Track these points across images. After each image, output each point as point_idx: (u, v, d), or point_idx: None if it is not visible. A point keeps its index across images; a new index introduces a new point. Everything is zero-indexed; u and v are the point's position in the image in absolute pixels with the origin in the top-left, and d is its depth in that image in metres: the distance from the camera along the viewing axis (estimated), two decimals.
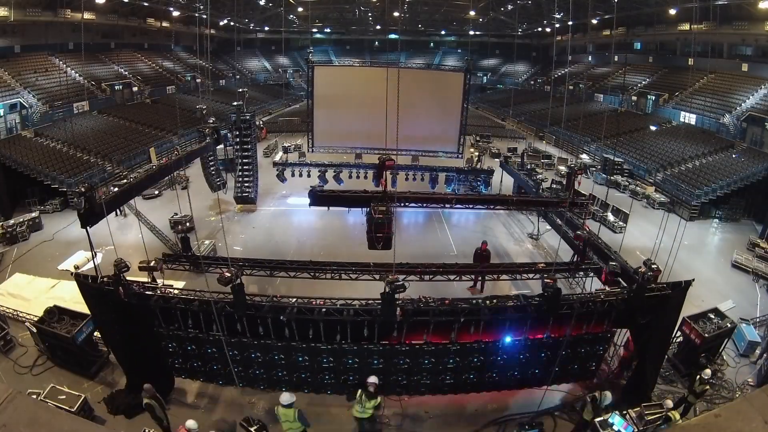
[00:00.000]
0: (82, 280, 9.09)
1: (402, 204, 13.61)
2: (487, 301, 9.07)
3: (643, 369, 9.99)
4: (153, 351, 9.64)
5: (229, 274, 8.16)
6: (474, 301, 9.04)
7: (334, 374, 9.48)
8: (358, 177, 20.92)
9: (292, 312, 8.80)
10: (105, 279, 8.90)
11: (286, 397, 8.21)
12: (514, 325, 9.15)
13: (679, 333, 11.17)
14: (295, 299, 9.06)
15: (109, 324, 9.55)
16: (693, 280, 9.37)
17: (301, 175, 21.27)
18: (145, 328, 9.38)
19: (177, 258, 12.66)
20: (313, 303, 8.92)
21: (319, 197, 15.06)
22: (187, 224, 16.45)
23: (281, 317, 8.78)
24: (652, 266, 9.13)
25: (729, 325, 11.13)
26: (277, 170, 21.59)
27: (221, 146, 27.22)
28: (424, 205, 13.53)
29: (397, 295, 8.22)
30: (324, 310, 8.80)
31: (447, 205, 14.26)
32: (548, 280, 8.63)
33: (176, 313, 9.10)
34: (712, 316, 11.26)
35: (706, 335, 10.58)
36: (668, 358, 11.30)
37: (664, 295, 9.07)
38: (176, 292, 9.38)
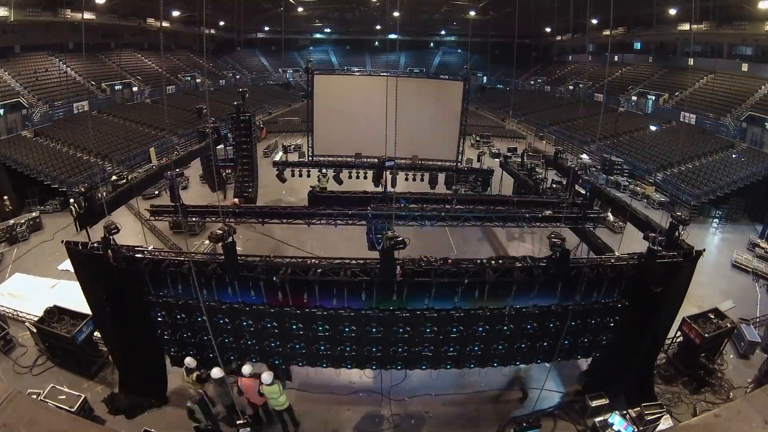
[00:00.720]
0: (71, 246, 8.70)
1: (402, 203, 13.52)
2: (492, 262, 8.52)
3: (646, 357, 9.81)
4: (143, 327, 9.27)
5: (221, 231, 7.65)
6: (478, 261, 8.48)
7: (330, 344, 8.99)
8: (357, 177, 20.96)
9: (286, 272, 8.26)
10: (94, 244, 8.57)
11: (266, 377, 8.46)
12: (520, 290, 8.60)
13: (679, 333, 11.18)
14: (288, 259, 8.61)
15: (98, 295, 9.10)
16: (704, 250, 9.00)
17: (300, 175, 21.27)
18: (135, 298, 8.98)
19: (164, 210, 12.61)
20: (308, 262, 8.45)
21: (318, 198, 15.07)
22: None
23: (274, 278, 8.26)
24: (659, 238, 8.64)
25: (729, 325, 11.12)
26: (277, 170, 21.59)
27: (221, 146, 27.43)
28: (424, 206, 13.48)
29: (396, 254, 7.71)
30: (320, 270, 8.28)
31: (447, 206, 14.23)
32: (556, 240, 7.98)
33: (166, 278, 8.69)
34: (712, 316, 11.25)
35: (706, 335, 10.57)
36: (668, 358, 11.31)
37: (676, 263, 8.65)
38: (165, 254, 9.10)
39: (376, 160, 19.29)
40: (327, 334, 8.81)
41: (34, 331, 11.09)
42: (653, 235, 8.35)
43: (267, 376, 8.58)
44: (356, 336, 8.82)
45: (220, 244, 7.87)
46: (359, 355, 9.09)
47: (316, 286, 8.47)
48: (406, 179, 21.32)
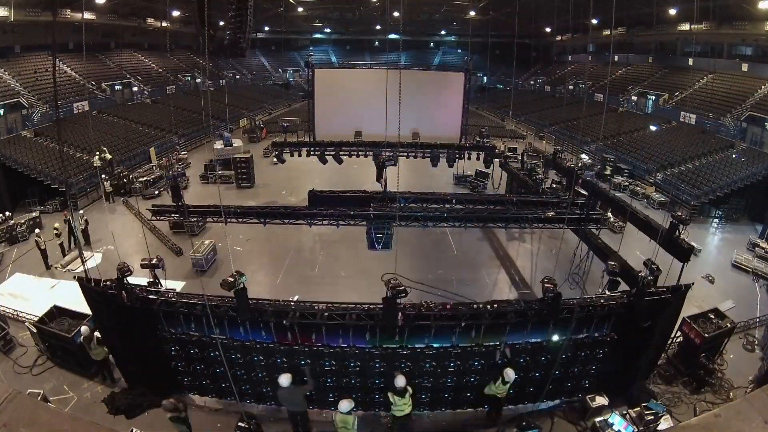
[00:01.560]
0: (85, 284, 9.06)
1: (402, 202, 13.52)
2: (488, 306, 9.10)
3: (634, 372, 10.07)
4: (155, 355, 9.64)
5: (232, 279, 8.17)
6: (475, 306, 9.06)
7: (336, 377, 9.49)
8: (357, 155, 21.12)
9: (295, 316, 8.82)
10: (108, 282, 8.89)
11: (345, 405, 8.16)
12: (514, 328, 9.18)
13: (679, 333, 11.18)
14: (296, 301, 9.12)
15: (112, 328, 9.56)
16: (692, 284, 9.46)
17: (300, 154, 21.64)
18: (148, 332, 9.39)
19: (166, 210, 12.89)
20: (316, 307, 8.98)
21: (318, 198, 15.06)
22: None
23: (284, 321, 8.82)
24: (653, 266, 9.18)
25: (729, 325, 11.12)
26: (276, 150, 21.87)
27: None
28: (425, 205, 13.48)
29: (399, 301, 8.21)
30: (327, 314, 8.84)
31: (447, 205, 14.21)
32: (549, 285, 8.68)
33: (179, 317, 9.16)
34: (712, 316, 11.26)
35: (706, 335, 10.58)
36: (668, 358, 11.31)
37: (664, 299, 9.12)
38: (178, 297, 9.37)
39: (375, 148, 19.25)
40: (333, 368, 9.34)
41: (34, 331, 11.10)
42: (642, 275, 8.95)
43: (346, 405, 8.21)
44: (361, 369, 9.35)
45: (232, 290, 8.31)
46: (363, 387, 9.57)
47: (323, 327, 8.98)
48: (407, 156, 21.27)
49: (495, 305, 9.14)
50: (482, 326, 9.04)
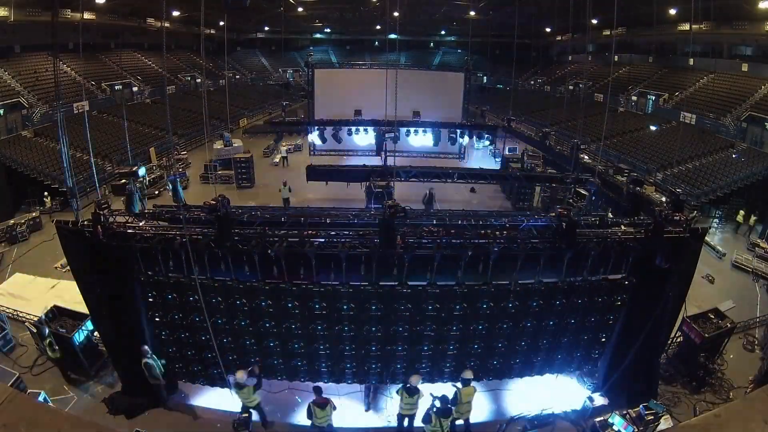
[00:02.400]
0: (62, 225, 8.38)
1: (403, 177, 13.34)
2: (497, 232, 8.32)
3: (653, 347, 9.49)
4: (134, 312, 8.93)
5: (213, 202, 7.54)
6: (482, 231, 8.27)
7: (327, 323, 8.62)
8: (357, 132, 21.30)
9: (282, 245, 7.86)
10: (85, 222, 8.30)
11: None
12: (526, 265, 8.28)
13: (679, 333, 11.17)
14: (284, 231, 8.25)
15: (88, 278, 8.71)
16: (708, 228, 8.82)
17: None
18: (126, 280, 8.64)
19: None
20: (305, 233, 8.16)
21: (317, 172, 14.84)
22: None
23: (269, 251, 7.88)
24: (673, 197, 8.66)
25: (729, 325, 11.10)
26: (275, 129, 22.05)
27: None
28: (425, 180, 13.29)
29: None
30: (317, 243, 7.87)
31: (448, 180, 13.99)
32: (563, 211, 7.89)
33: (157, 255, 8.32)
34: (712, 316, 11.24)
35: (706, 335, 10.55)
36: (668, 358, 11.29)
37: (683, 238, 8.37)
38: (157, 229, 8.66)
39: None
40: (324, 312, 8.44)
41: (34, 331, 11.09)
42: (660, 207, 8.25)
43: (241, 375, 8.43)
44: (355, 314, 8.44)
45: (213, 215, 7.61)
46: (358, 336, 8.73)
47: (313, 260, 8.04)
48: (407, 134, 21.25)
49: (504, 231, 8.36)
50: (490, 259, 8.11)
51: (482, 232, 8.26)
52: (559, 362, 9.77)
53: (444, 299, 8.41)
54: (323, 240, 8.04)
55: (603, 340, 9.55)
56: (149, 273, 8.61)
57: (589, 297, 8.77)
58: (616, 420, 8.85)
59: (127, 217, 8.74)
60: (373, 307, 8.41)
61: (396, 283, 8.35)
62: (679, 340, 11.32)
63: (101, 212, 7.94)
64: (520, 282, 8.43)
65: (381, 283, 8.33)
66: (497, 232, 8.32)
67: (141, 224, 8.65)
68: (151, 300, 8.81)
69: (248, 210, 9.40)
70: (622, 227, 8.98)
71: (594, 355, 9.74)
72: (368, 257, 8.05)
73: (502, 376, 9.92)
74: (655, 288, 8.88)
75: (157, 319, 9.04)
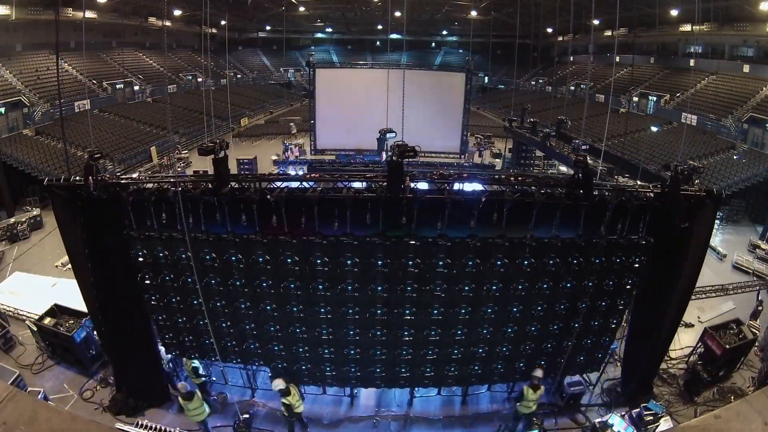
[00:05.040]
0: (53, 183, 7.89)
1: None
2: (511, 179, 7.95)
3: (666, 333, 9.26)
4: (124, 274, 8.45)
5: (212, 144, 6.97)
6: (496, 176, 7.98)
7: (330, 283, 7.97)
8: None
9: (281, 192, 7.32)
10: (77, 178, 7.82)
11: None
12: (541, 219, 7.79)
13: (700, 343, 11.02)
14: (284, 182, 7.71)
15: (78, 241, 8.17)
16: (724, 194, 8.56)
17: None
18: (115, 238, 8.16)
19: None
20: (307, 176, 7.81)
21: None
22: None
23: (268, 197, 7.35)
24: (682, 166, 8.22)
25: (750, 336, 10.98)
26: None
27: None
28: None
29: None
30: (320, 188, 7.35)
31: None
32: (578, 158, 7.45)
33: (149, 208, 7.81)
34: (733, 327, 11.06)
35: (727, 346, 10.37)
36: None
37: (700, 196, 8.18)
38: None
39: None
40: (326, 269, 7.79)
41: (34, 329, 11.10)
42: (675, 164, 8.08)
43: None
44: (359, 271, 7.80)
45: (210, 156, 7.06)
46: (362, 297, 8.11)
47: (315, 207, 7.46)
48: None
49: (519, 177, 7.96)
50: (504, 209, 7.55)
51: (496, 176, 7.78)
52: (577, 332, 9.17)
53: (455, 254, 7.80)
54: (326, 186, 7.48)
55: (621, 306, 9.09)
56: (140, 230, 8.05)
57: (606, 257, 8.32)
58: (616, 421, 8.85)
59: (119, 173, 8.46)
60: (379, 262, 7.74)
61: (404, 235, 7.69)
62: (700, 350, 11.08)
63: (93, 163, 7.50)
64: (536, 236, 7.91)
65: (388, 235, 7.70)
66: (512, 178, 7.89)
67: (134, 175, 8.29)
68: (141, 259, 8.24)
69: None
70: (638, 183, 8.65)
71: (612, 324, 9.29)
72: (375, 205, 7.45)
73: (516, 345, 9.29)
74: (673, 251, 8.61)
75: (147, 282, 8.47)
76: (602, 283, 8.58)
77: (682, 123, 31.49)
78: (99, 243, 8.25)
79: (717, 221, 20.93)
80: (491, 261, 7.95)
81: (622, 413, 9.12)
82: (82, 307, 10.13)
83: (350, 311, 8.29)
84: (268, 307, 8.44)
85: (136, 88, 38.42)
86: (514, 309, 8.65)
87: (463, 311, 8.43)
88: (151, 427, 8.70)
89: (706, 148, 26.75)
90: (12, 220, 17.84)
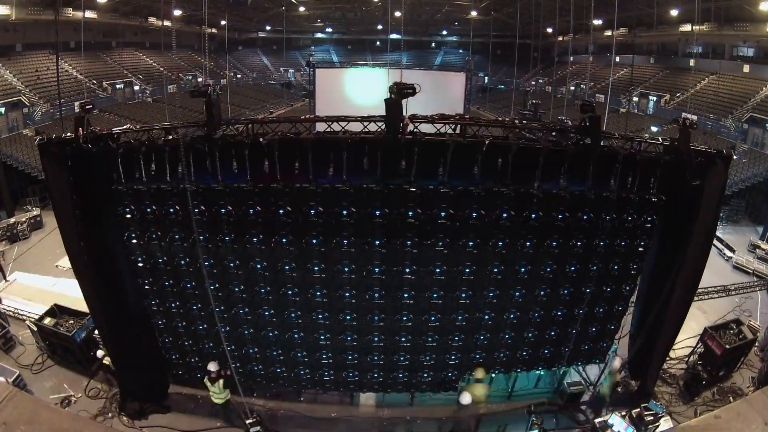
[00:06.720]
0: (44, 140, 7.59)
1: None
2: (516, 121, 7.66)
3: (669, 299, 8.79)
4: (116, 246, 8.16)
5: (204, 88, 6.91)
6: (500, 119, 7.71)
7: (324, 237, 7.52)
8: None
9: (275, 135, 6.97)
10: (69, 135, 7.61)
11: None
12: (548, 170, 7.35)
13: (700, 343, 11.01)
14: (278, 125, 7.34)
15: (66, 199, 7.77)
16: (732, 154, 8.43)
17: None
18: (103, 194, 7.87)
19: None
20: (301, 117, 7.42)
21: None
22: None
23: (261, 139, 6.98)
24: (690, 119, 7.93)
25: (750, 337, 10.97)
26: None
27: None
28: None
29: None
30: (315, 133, 7.04)
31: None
32: (586, 105, 7.22)
33: (139, 158, 7.53)
34: (733, 327, 11.09)
35: (727, 346, 10.37)
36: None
37: (711, 154, 7.95)
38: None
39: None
40: (320, 220, 7.34)
41: (35, 329, 11.09)
42: (684, 116, 7.90)
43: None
44: (356, 221, 7.35)
45: (202, 97, 6.83)
46: (359, 254, 7.70)
47: (309, 153, 7.03)
48: None
49: (524, 121, 7.70)
50: (509, 155, 7.04)
51: (500, 119, 7.52)
52: (589, 298, 8.69)
53: (458, 204, 7.35)
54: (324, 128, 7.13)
55: (633, 271, 8.72)
56: (128, 183, 7.76)
57: (617, 214, 7.93)
58: (616, 421, 8.84)
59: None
60: (377, 212, 7.29)
61: (403, 182, 7.21)
62: (700, 350, 11.06)
63: (85, 115, 7.32)
64: (543, 188, 7.49)
65: (386, 183, 7.23)
66: (516, 121, 7.55)
67: (125, 126, 8.17)
68: (129, 216, 7.92)
69: None
70: (647, 136, 8.46)
71: (624, 291, 8.87)
72: (373, 148, 7.01)
73: (525, 311, 8.77)
74: (685, 211, 8.32)
75: (134, 241, 8.10)
76: (613, 243, 8.21)
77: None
78: (90, 206, 7.91)
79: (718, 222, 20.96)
80: (495, 213, 7.46)
81: (622, 413, 9.12)
82: (82, 307, 10.13)
83: (345, 269, 7.89)
84: (259, 266, 8.11)
85: (136, 88, 38.43)
86: (522, 269, 8.19)
87: (467, 270, 7.91)
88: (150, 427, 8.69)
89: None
90: (12, 220, 17.84)
